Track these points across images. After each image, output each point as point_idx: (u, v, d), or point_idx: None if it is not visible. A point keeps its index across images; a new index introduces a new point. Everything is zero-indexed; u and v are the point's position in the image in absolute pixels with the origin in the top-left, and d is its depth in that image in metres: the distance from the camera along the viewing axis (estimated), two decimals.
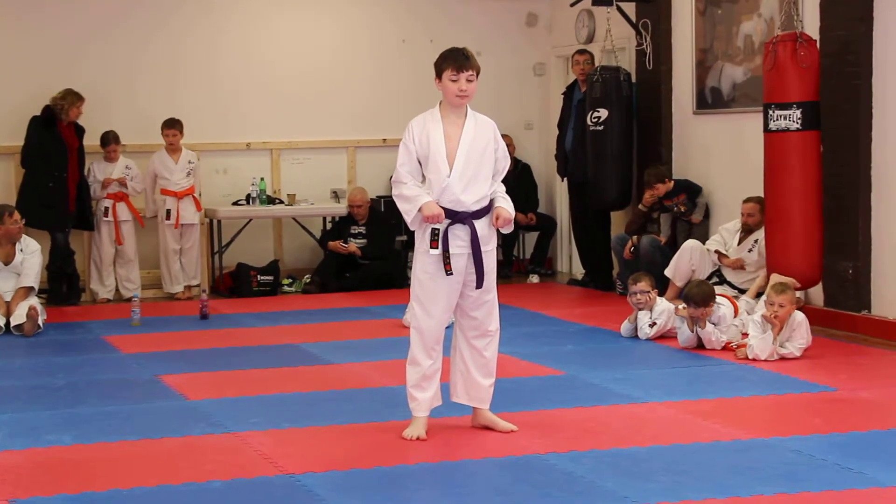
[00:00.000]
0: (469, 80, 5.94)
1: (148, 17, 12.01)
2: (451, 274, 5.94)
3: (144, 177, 11.59)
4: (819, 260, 9.00)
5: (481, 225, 6.00)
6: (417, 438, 5.99)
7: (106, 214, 11.43)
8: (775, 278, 8.86)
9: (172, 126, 11.54)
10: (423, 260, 6.01)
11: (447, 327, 6.15)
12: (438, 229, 5.93)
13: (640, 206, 10.93)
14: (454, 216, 5.95)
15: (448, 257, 5.93)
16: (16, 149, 11.30)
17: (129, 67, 11.94)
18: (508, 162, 6.20)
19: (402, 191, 5.99)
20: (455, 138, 5.97)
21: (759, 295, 8.97)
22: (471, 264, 5.99)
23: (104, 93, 11.67)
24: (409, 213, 5.97)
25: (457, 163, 5.94)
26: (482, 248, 5.98)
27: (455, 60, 5.95)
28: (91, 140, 11.34)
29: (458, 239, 5.96)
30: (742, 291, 9.41)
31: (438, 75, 6.03)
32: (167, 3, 12.08)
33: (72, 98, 11.02)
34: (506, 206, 6.05)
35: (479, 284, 6.00)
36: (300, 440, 6.08)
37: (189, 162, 11.66)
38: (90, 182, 11.39)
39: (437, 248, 5.93)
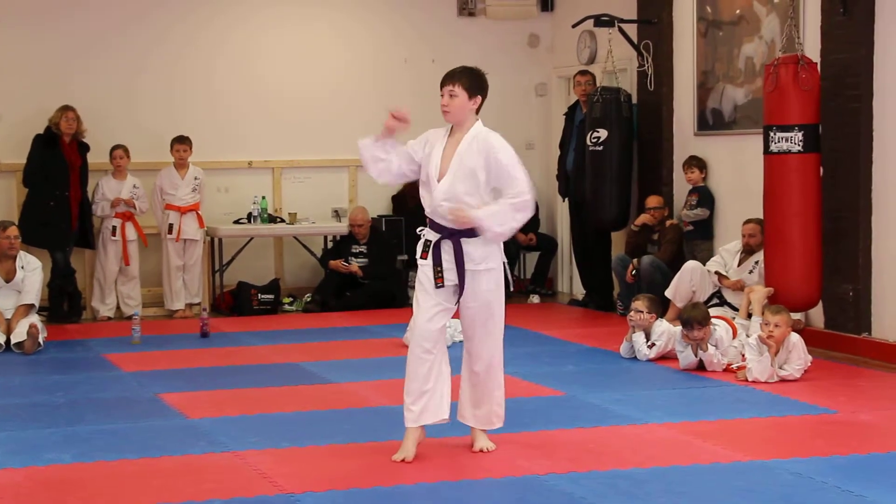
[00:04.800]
0: (451, 96, 5.97)
1: (148, 34, 12.04)
2: (442, 287, 5.97)
3: (149, 194, 11.62)
4: (818, 282, 9.00)
5: (474, 244, 5.98)
6: (403, 460, 5.97)
7: (114, 234, 11.43)
8: (756, 294, 8.88)
9: (183, 142, 11.60)
10: (420, 269, 6.10)
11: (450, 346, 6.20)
12: (430, 241, 6.00)
13: (632, 227, 10.97)
14: (442, 231, 6.00)
15: (440, 271, 5.97)
16: (17, 166, 11.32)
17: (131, 86, 11.97)
18: (514, 176, 5.93)
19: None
20: (450, 157, 6.00)
21: (750, 315, 8.98)
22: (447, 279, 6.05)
23: (106, 112, 11.70)
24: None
25: (443, 182, 5.97)
26: (471, 267, 5.98)
27: (444, 76, 6.03)
28: (95, 158, 11.36)
29: (447, 254, 6.00)
30: None
31: None
32: (167, 21, 12.11)
33: (59, 112, 11.04)
34: (479, 213, 5.88)
35: (459, 298, 6.02)
36: (300, 459, 6.08)
37: (195, 178, 11.70)
38: (98, 199, 11.40)
39: (426, 259, 6.01)
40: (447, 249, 5.99)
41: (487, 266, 6.04)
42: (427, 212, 6.08)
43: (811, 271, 8.94)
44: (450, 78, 6.00)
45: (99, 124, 11.46)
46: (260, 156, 12.46)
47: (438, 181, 5.97)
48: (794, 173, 8.88)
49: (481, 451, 6.14)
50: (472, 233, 5.97)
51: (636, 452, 6.16)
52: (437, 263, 5.98)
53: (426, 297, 6.02)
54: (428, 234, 6.07)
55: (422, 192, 6.10)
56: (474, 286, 6.01)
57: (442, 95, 6.01)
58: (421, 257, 6.05)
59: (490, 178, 5.95)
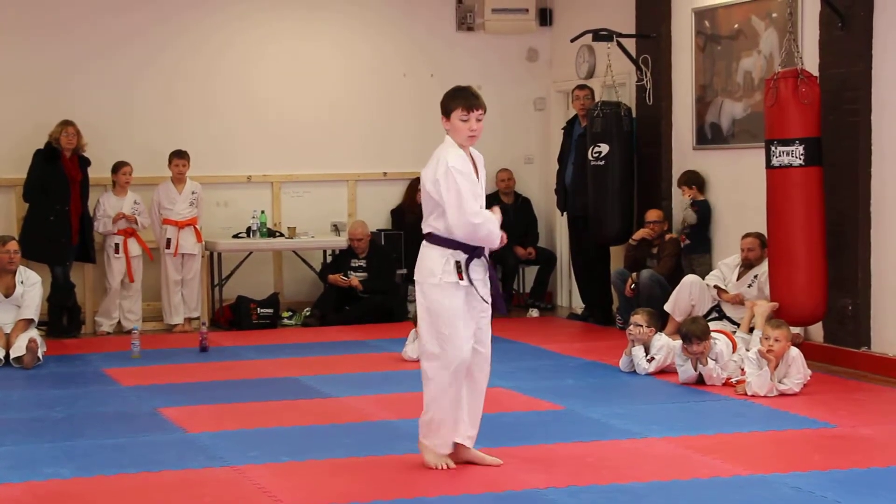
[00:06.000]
0: (479, 120, 5.98)
1: (147, 49, 12.05)
2: (488, 302, 6.00)
3: (147, 209, 11.62)
4: (823, 296, 8.98)
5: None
6: (446, 466, 6.01)
7: (116, 251, 11.42)
8: (760, 308, 8.88)
9: (181, 156, 11.61)
10: (444, 292, 5.95)
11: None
12: (460, 262, 5.94)
13: (630, 241, 10.98)
14: (473, 251, 5.97)
15: (477, 289, 5.96)
16: (17, 181, 11.34)
17: (129, 101, 11.97)
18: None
19: (483, 221, 5.95)
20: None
21: (751, 329, 8.98)
22: (486, 294, 6.05)
23: (104, 127, 11.70)
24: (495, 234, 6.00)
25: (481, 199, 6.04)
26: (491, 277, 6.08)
27: (465, 100, 5.96)
28: (95, 173, 11.37)
29: (476, 272, 6.00)
30: None
31: (446, 114, 6.01)
32: (165, 36, 12.12)
33: (59, 127, 11.07)
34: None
35: (501, 308, 6.13)
36: (299, 474, 6.07)
37: (192, 193, 11.70)
38: (100, 216, 11.40)
39: (463, 279, 5.94)
40: (476, 269, 5.99)
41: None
42: (448, 234, 5.96)
43: (815, 285, 8.92)
44: (478, 103, 5.98)
45: (97, 139, 11.45)
46: (259, 170, 12.47)
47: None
48: (796, 187, 8.88)
49: (494, 465, 6.11)
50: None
51: (636, 467, 6.15)
52: (472, 282, 5.96)
53: (462, 323, 5.94)
54: (455, 256, 5.96)
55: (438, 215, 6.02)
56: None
57: (467, 120, 5.95)
58: (459, 279, 5.93)
59: None
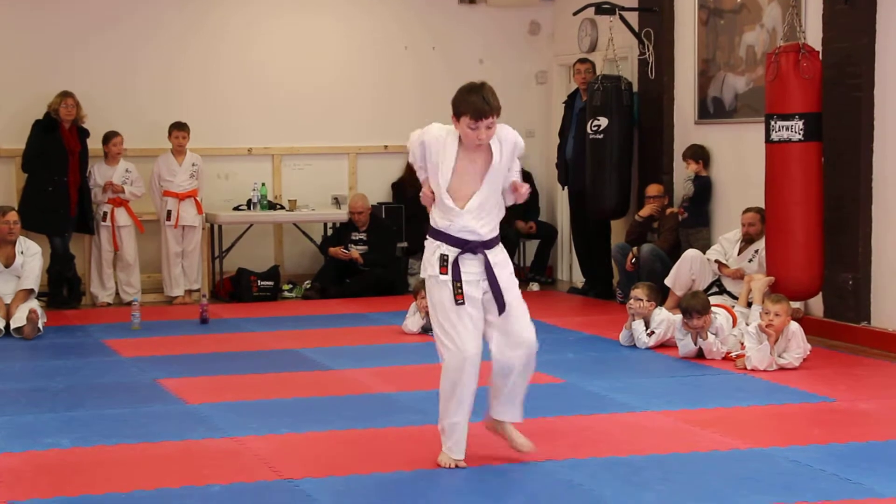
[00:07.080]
0: (489, 128, 5.51)
1: (147, 20, 12.02)
2: (463, 303, 5.59)
3: (148, 180, 11.61)
4: (820, 271, 9.01)
5: (494, 252, 5.70)
6: (456, 466, 5.67)
7: (104, 219, 11.43)
8: (757, 283, 8.88)
9: (181, 128, 11.60)
10: (437, 286, 5.66)
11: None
12: (447, 255, 5.64)
13: (636, 217, 10.95)
14: (464, 245, 5.65)
15: (460, 286, 5.61)
16: (16, 152, 11.33)
17: (130, 72, 11.95)
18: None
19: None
20: (471, 172, 5.62)
21: (749, 304, 8.99)
22: (489, 292, 5.68)
23: (104, 98, 11.68)
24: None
25: (474, 201, 5.61)
26: (497, 272, 5.66)
27: (476, 107, 5.48)
28: (94, 144, 11.35)
29: (470, 267, 5.65)
30: None
31: (456, 115, 5.58)
32: (166, 6, 12.08)
33: (58, 98, 11.06)
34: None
35: (501, 311, 5.65)
36: (299, 445, 6.09)
37: (192, 164, 11.70)
38: (91, 185, 11.40)
39: (446, 273, 5.63)
40: (470, 264, 5.64)
41: (511, 268, 5.74)
42: (442, 227, 5.65)
43: (812, 260, 8.94)
44: (489, 110, 5.49)
45: (96, 111, 11.43)
46: (259, 143, 12.45)
47: (464, 202, 5.61)
48: (795, 162, 8.88)
49: (521, 450, 5.83)
50: (493, 243, 5.69)
51: (635, 440, 6.16)
52: (457, 279, 5.60)
53: (464, 316, 5.59)
54: (443, 249, 5.65)
55: (441, 201, 5.66)
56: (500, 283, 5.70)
57: (475, 129, 5.50)
58: (441, 272, 5.62)
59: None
